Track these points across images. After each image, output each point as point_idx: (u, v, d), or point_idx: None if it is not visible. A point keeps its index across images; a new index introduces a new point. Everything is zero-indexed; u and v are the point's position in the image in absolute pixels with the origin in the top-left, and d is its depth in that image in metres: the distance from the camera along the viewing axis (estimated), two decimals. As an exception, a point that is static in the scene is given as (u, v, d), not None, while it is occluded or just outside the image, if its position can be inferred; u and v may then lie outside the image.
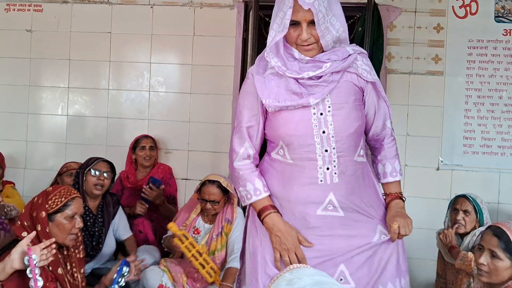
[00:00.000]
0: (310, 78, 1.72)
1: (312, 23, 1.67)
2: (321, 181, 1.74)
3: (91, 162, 3.08)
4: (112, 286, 2.46)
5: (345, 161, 1.75)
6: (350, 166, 1.77)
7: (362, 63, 1.79)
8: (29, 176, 4.27)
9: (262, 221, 1.79)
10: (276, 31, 1.71)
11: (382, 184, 1.90)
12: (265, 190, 1.81)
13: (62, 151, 4.24)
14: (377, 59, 3.65)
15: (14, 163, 4.24)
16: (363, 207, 1.80)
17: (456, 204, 2.99)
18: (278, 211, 1.79)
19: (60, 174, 3.61)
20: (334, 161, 1.74)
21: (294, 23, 1.69)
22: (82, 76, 4.24)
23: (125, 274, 2.49)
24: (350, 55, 1.75)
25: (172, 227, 2.96)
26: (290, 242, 1.74)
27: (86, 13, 4.20)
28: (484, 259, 1.98)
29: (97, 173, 3.03)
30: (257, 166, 1.90)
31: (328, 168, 1.74)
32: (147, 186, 3.51)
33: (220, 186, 3.07)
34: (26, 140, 4.30)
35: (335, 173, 1.74)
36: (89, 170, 3.03)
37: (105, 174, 3.05)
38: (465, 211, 2.91)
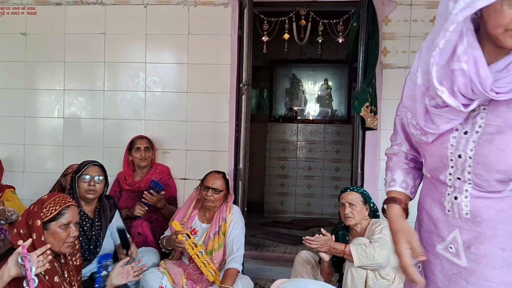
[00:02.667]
0: None
1: None
2: (449, 211, 1.40)
3: (82, 166, 3.05)
4: (98, 275, 2.45)
5: (483, 194, 1.34)
6: (493, 199, 1.33)
7: None
8: (28, 179, 4.27)
9: (384, 210, 1.57)
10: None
11: None
12: (402, 186, 1.55)
13: (59, 153, 4.23)
14: (372, 54, 3.63)
15: (12, 166, 4.24)
16: (498, 261, 1.32)
17: (341, 199, 2.98)
18: (405, 208, 1.53)
19: (65, 175, 3.60)
20: (467, 190, 1.35)
21: None
22: (78, 78, 4.23)
23: (107, 264, 2.48)
24: None
25: (176, 224, 3.01)
26: (396, 247, 1.46)
27: (79, 15, 4.19)
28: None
29: (87, 178, 2.99)
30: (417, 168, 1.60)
31: (456, 198, 1.38)
32: (148, 190, 3.49)
33: (224, 177, 3.18)
34: (24, 144, 4.30)
35: (466, 205, 1.35)
36: (81, 175, 3.01)
37: (96, 179, 3.00)
38: (351, 204, 2.90)
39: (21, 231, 2.23)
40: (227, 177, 3.25)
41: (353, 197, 2.92)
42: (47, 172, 4.18)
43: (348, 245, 2.73)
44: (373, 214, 2.95)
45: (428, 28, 3.83)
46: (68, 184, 3.40)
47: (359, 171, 3.83)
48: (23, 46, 4.26)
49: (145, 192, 3.48)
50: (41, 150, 4.29)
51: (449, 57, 1.22)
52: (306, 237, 2.86)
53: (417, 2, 3.85)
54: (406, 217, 1.53)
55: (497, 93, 1.20)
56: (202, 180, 3.23)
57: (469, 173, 1.33)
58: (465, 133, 1.31)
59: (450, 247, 1.40)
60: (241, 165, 3.85)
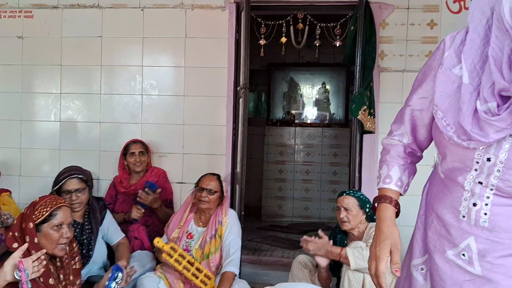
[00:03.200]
0: None
1: None
2: (464, 216, 1.32)
3: (60, 180, 2.90)
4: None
5: (505, 201, 1.27)
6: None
7: None
8: (24, 183, 4.25)
9: (374, 207, 1.50)
10: None
11: None
12: (397, 184, 1.48)
13: (56, 157, 4.21)
14: (370, 58, 3.62)
15: (9, 170, 4.22)
16: None
17: (337, 203, 2.97)
18: (397, 209, 1.47)
19: None
20: (488, 197, 1.27)
21: None
22: (74, 81, 4.22)
23: (118, 279, 2.47)
24: None
25: (159, 242, 2.93)
26: (378, 249, 1.40)
27: (76, 18, 4.18)
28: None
29: (66, 194, 2.87)
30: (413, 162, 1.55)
31: (475, 204, 1.29)
32: (143, 190, 3.48)
33: (219, 179, 3.19)
34: (20, 147, 4.28)
35: (485, 213, 1.28)
36: (60, 190, 2.89)
37: (76, 193, 2.88)
38: (346, 209, 2.89)
39: (16, 234, 2.23)
40: (222, 179, 3.24)
41: (349, 201, 2.91)
42: (43, 176, 4.16)
43: (344, 248, 2.72)
44: (370, 218, 2.93)
45: (425, 32, 3.83)
46: None
47: (357, 174, 3.82)
48: (20, 50, 4.25)
49: (139, 191, 3.46)
50: (38, 154, 4.27)
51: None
52: (304, 237, 2.84)
53: (414, 6, 3.85)
54: (396, 217, 1.49)
55: None
56: (197, 182, 3.22)
57: (495, 178, 1.24)
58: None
59: (463, 254, 1.33)
60: (238, 169, 3.84)
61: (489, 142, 1.20)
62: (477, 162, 1.26)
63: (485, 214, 1.28)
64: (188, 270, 2.90)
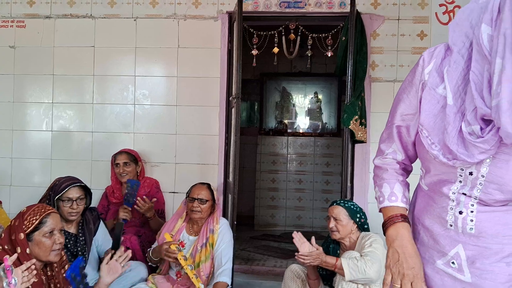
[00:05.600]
0: None
1: None
2: (451, 225, 1.33)
3: (62, 189, 2.88)
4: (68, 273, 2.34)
5: (489, 208, 1.29)
6: (500, 212, 1.28)
7: None
8: (15, 193, 4.22)
9: (385, 230, 1.45)
10: None
11: None
12: (403, 201, 1.45)
13: (47, 167, 4.19)
14: (361, 68, 3.66)
15: (0, 180, 4.20)
16: (504, 275, 1.28)
17: (328, 212, 2.98)
18: (409, 224, 1.43)
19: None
20: (472, 205, 1.30)
21: None
22: (66, 91, 4.21)
23: (81, 265, 2.39)
24: None
25: (167, 236, 3.01)
26: (410, 266, 1.35)
27: (69, 28, 4.18)
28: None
29: (68, 202, 2.86)
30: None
31: (461, 212, 1.31)
32: (127, 191, 3.37)
33: (209, 188, 3.19)
34: (11, 157, 4.26)
35: (471, 220, 1.30)
36: (61, 197, 2.87)
37: (77, 201, 2.88)
38: (335, 219, 2.90)
39: (6, 247, 2.20)
40: (212, 188, 3.25)
41: (339, 211, 2.91)
42: (35, 186, 4.14)
43: (339, 259, 2.72)
44: (361, 227, 2.94)
45: (415, 42, 3.87)
46: None
47: (349, 184, 3.84)
48: (12, 59, 4.24)
49: (138, 198, 3.40)
50: (29, 164, 4.25)
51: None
52: (300, 253, 2.82)
53: (404, 17, 3.90)
54: None
55: None
56: (188, 192, 3.22)
57: (478, 191, 1.27)
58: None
59: (452, 263, 1.34)
60: (231, 178, 3.84)
61: (474, 162, 1.22)
62: (461, 175, 1.29)
63: (471, 220, 1.30)
64: (190, 270, 2.90)
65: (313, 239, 2.88)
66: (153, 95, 4.14)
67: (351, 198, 3.79)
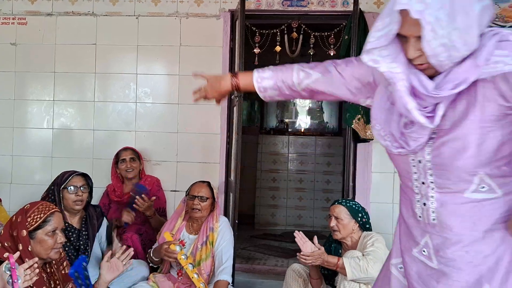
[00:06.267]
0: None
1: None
2: (420, 217, 1.45)
3: (65, 178, 2.98)
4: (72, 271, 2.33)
5: (446, 199, 1.38)
6: (456, 205, 1.37)
7: (494, 56, 1.24)
8: (15, 191, 4.21)
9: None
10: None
11: None
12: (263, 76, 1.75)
13: (48, 164, 4.18)
14: (364, 67, 3.64)
15: (0, 178, 4.18)
16: (464, 262, 1.37)
17: (329, 211, 2.97)
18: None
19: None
20: (432, 196, 1.40)
21: (403, 36, 1.31)
22: (68, 89, 4.20)
23: (83, 263, 2.38)
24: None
25: (167, 235, 2.99)
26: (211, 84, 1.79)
27: (70, 25, 4.17)
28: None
29: (73, 189, 2.94)
30: None
31: (425, 204, 1.42)
32: (133, 194, 3.42)
33: (209, 185, 3.18)
34: (12, 155, 4.24)
35: (433, 211, 1.40)
36: (65, 187, 2.95)
37: (82, 188, 2.96)
38: (337, 218, 2.89)
39: (6, 244, 2.19)
40: (212, 186, 3.25)
41: (340, 210, 2.90)
42: (35, 184, 4.13)
43: (341, 258, 2.71)
44: (363, 226, 2.93)
45: (418, 42, 3.86)
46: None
47: (351, 183, 3.83)
48: (13, 56, 4.23)
49: (137, 197, 3.42)
50: (30, 162, 4.23)
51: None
52: (302, 253, 2.81)
53: (407, 16, 3.87)
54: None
55: (436, 92, 1.30)
56: (188, 191, 3.21)
57: (431, 175, 1.39)
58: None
59: (424, 251, 1.46)
60: (232, 177, 3.83)
61: (412, 149, 1.39)
62: (414, 166, 1.43)
63: (433, 212, 1.41)
64: (190, 270, 2.89)
65: (315, 238, 2.86)
66: (155, 93, 4.13)
67: (353, 198, 3.78)
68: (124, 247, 2.65)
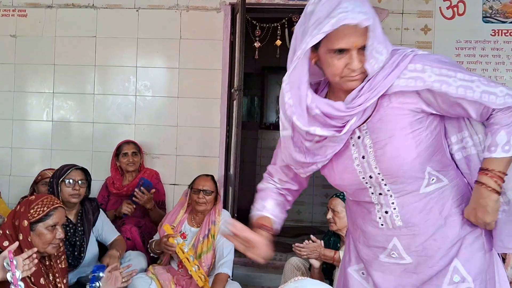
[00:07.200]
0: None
1: (362, 48, 1.35)
2: (382, 225, 1.51)
3: (64, 171, 2.97)
4: (90, 285, 2.40)
5: (406, 200, 1.47)
6: (415, 203, 1.47)
7: (408, 71, 1.37)
8: (14, 183, 4.20)
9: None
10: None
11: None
12: (271, 213, 1.66)
13: (47, 157, 4.18)
14: (364, 61, 3.63)
15: (-1, 170, 4.19)
16: (435, 249, 1.48)
17: (328, 204, 2.98)
18: (270, 231, 1.63)
19: (36, 182, 3.53)
20: (393, 203, 1.48)
21: (340, 50, 1.35)
22: (67, 81, 4.19)
23: (99, 276, 2.43)
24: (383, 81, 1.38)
25: (167, 228, 3.00)
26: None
27: (70, 18, 4.16)
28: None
29: (71, 182, 2.94)
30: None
31: (387, 212, 1.50)
32: (138, 187, 3.45)
33: (213, 179, 3.21)
34: (11, 147, 4.24)
35: (397, 216, 1.49)
36: (63, 180, 2.94)
37: (79, 182, 2.95)
38: (333, 210, 2.89)
39: (7, 232, 2.20)
40: (215, 180, 3.27)
41: (336, 203, 2.91)
42: (34, 176, 4.08)
43: (338, 252, 2.71)
44: None
45: (419, 37, 3.86)
46: (40, 192, 3.34)
47: (350, 178, 3.82)
48: (13, 48, 4.21)
49: (136, 189, 3.43)
50: (29, 154, 4.23)
51: (303, 107, 1.41)
52: (296, 244, 2.83)
53: (408, 11, 3.88)
54: None
55: (353, 108, 1.38)
56: (191, 184, 3.20)
57: (385, 184, 1.46)
58: (363, 157, 1.46)
59: (393, 254, 1.52)
60: (231, 171, 3.83)
61: (327, 158, 1.50)
62: (366, 183, 1.49)
63: (397, 216, 1.49)
64: (189, 262, 2.89)
65: (312, 236, 2.88)
66: (154, 87, 4.12)
67: (352, 192, 3.77)
68: (130, 264, 2.73)
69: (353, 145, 1.47)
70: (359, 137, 1.46)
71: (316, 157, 1.49)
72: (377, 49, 1.33)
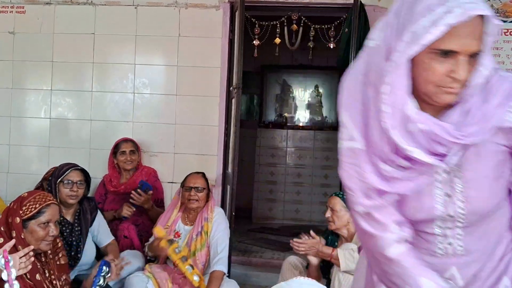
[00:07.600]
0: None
1: (472, 56, 1.09)
2: (442, 254, 1.33)
3: (63, 171, 2.96)
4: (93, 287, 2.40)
5: (474, 228, 1.30)
6: (484, 231, 1.31)
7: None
8: (12, 180, 4.19)
9: None
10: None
11: None
12: None
13: (45, 154, 4.16)
14: (364, 60, 3.62)
15: (-4, 167, 4.17)
16: (487, 272, 1.35)
17: (327, 202, 2.98)
18: None
19: (45, 179, 3.52)
20: (460, 234, 1.30)
21: (446, 52, 1.08)
22: (65, 78, 4.18)
23: (105, 274, 2.43)
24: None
25: (158, 231, 2.98)
26: None
27: (69, 15, 4.14)
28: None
29: (69, 183, 2.92)
30: None
31: (450, 244, 1.31)
32: (136, 190, 3.44)
33: (204, 176, 3.21)
34: (9, 144, 4.22)
35: (460, 245, 1.31)
36: (61, 180, 2.93)
37: (78, 184, 2.93)
38: (332, 209, 2.89)
39: (1, 229, 2.19)
40: (207, 177, 3.27)
41: (335, 201, 2.91)
42: (32, 173, 4.10)
43: (335, 249, 2.71)
44: None
45: (419, 36, 3.83)
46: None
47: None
48: (11, 45, 4.20)
49: (132, 191, 3.43)
50: (27, 151, 4.22)
51: (401, 117, 1.13)
52: (294, 239, 2.83)
53: (408, 10, 3.85)
54: None
55: (464, 136, 1.13)
56: (183, 182, 3.22)
57: (461, 223, 1.27)
58: (448, 196, 1.24)
59: (449, 281, 1.34)
60: (230, 169, 3.82)
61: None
62: (442, 218, 1.27)
63: (461, 246, 1.30)
64: (182, 263, 2.88)
65: (312, 232, 2.87)
66: (153, 84, 4.10)
67: (351, 191, 3.76)
68: (121, 258, 2.72)
69: (439, 181, 1.23)
70: (447, 172, 1.22)
71: (396, 186, 1.20)
72: (488, 60, 1.12)
